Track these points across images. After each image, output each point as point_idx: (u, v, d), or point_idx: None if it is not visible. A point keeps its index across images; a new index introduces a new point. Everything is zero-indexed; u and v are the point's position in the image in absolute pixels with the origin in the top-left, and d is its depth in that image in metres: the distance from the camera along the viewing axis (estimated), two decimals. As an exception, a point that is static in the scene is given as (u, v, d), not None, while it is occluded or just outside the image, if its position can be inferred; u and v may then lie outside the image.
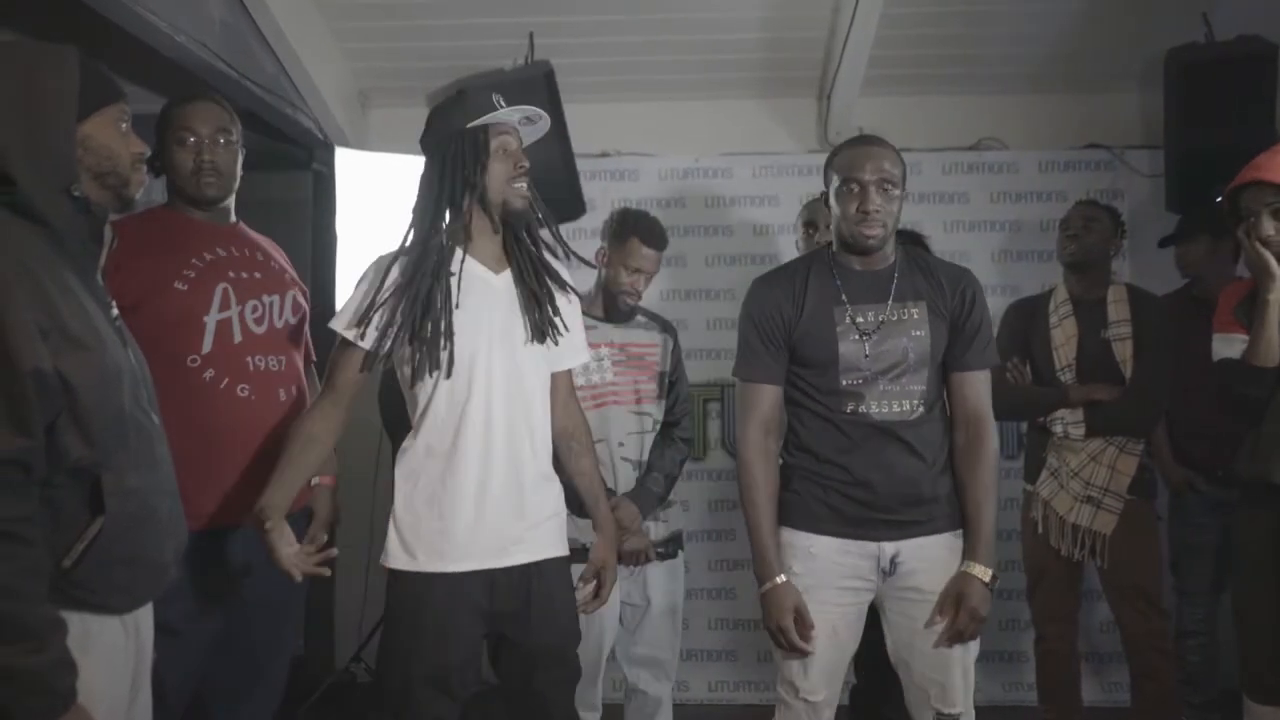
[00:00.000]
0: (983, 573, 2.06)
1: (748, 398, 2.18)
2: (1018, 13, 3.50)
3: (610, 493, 2.61)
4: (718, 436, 3.90)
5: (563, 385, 2.14)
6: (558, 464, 2.12)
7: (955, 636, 2.06)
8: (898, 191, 2.08)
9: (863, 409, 2.08)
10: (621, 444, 2.66)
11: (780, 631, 2.06)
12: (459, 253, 1.97)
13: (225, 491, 2.05)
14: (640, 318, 2.79)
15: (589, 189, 3.75)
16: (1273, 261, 2.22)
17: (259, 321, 2.17)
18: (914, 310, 2.11)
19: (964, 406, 2.16)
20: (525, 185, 1.99)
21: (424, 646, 1.92)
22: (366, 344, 1.93)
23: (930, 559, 2.09)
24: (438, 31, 3.58)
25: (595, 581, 2.17)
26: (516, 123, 2.00)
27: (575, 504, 2.56)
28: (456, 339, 1.92)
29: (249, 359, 2.13)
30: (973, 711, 2.13)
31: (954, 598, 2.06)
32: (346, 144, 3.79)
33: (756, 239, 3.93)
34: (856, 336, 2.09)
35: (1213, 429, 2.91)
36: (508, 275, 2.03)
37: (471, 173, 1.95)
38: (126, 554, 1.48)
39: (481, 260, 2.00)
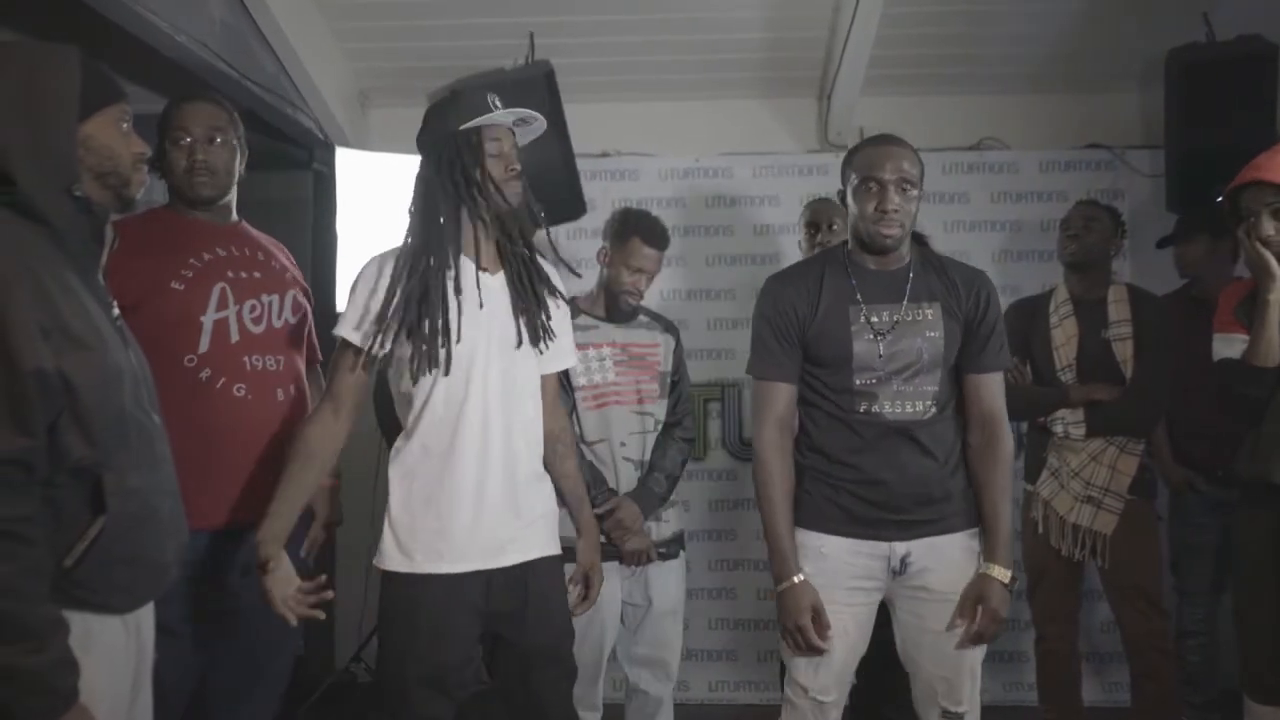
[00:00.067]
0: (1002, 574, 2.07)
1: (763, 396, 2.17)
2: (1018, 12, 3.50)
3: (612, 492, 2.62)
4: (718, 436, 3.90)
5: (550, 388, 2.14)
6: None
7: (976, 638, 2.07)
8: (916, 192, 2.08)
9: (876, 409, 2.08)
10: (623, 444, 2.66)
11: (798, 631, 2.05)
12: (456, 253, 1.97)
13: (222, 491, 2.05)
14: (642, 317, 2.79)
15: (589, 189, 3.75)
16: (1273, 261, 2.22)
17: (257, 321, 2.17)
18: (928, 311, 2.11)
19: (979, 408, 2.16)
20: (518, 187, 1.99)
21: (420, 647, 1.92)
22: (363, 345, 1.93)
23: (941, 558, 2.09)
24: (438, 31, 3.59)
25: (583, 584, 2.16)
26: (511, 124, 2.00)
27: (575, 504, 2.57)
28: (455, 339, 1.92)
29: (246, 358, 2.13)
30: (979, 710, 2.14)
31: (974, 600, 2.06)
32: (347, 144, 3.79)
33: (757, 239, 3.93)
34: (871, 336, 2.09)
35: (1212, 429, 2.91)
36: (503, 276, 2.04)
37: (463, 174, 1.95)
38: (128, 554, 1.48)
39: (478, 261, 2.00)
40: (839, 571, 2.08)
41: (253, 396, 2.12)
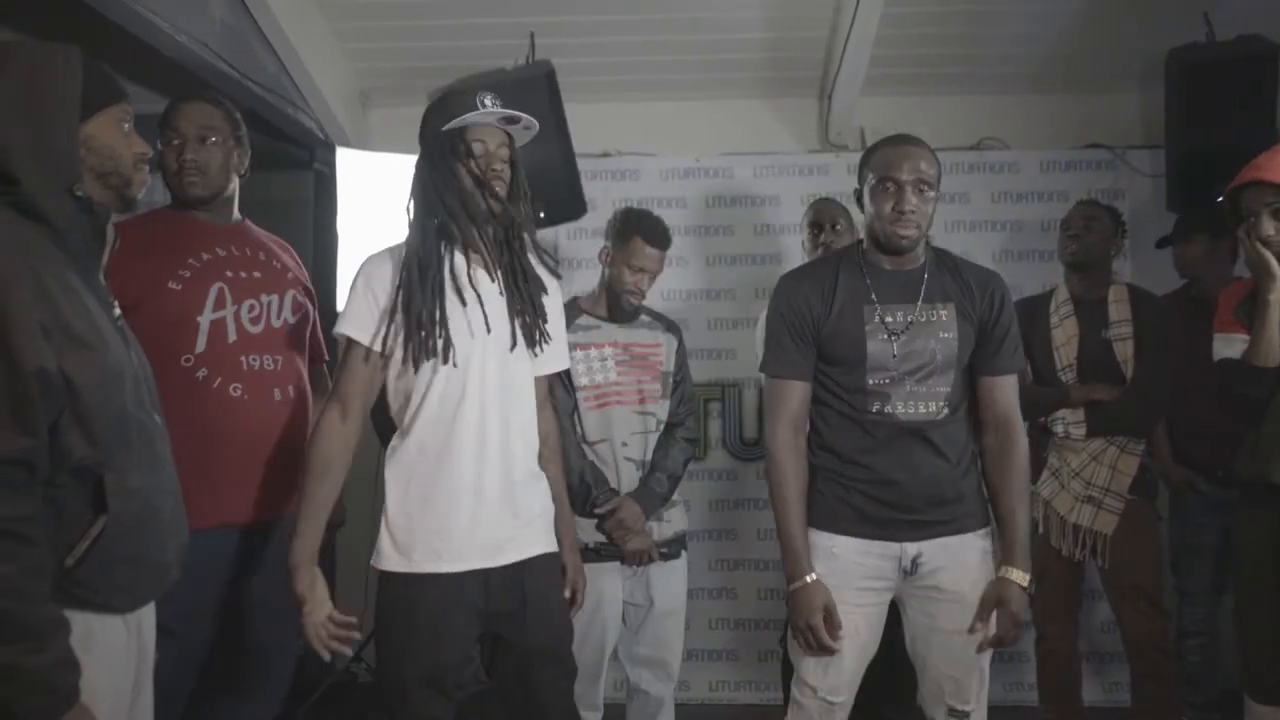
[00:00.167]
0: (1020, 577, 2.07)
1: (777, 394, 2.16)
2: (1019, 12, 3.50)
3: (614, 492, 2.62)
4: (719, 436, 3.90)
5: (540, 390, 2.14)
6: None
7: (995, 642, 2.07)
8: (933, 193, 2.08)
9: (889, 409, 2.08)
10: (625, 444, 2.66)
11: (809, 630, 2.04)
12: (449, 250, 1.98)
13: (220, 491, 2.05)
14: (645, 317, 2.79)
15: (590, 189, 3.75)
16: (1273, 261, 2.22)
17: (255, 321, 2.17)
18: (943, 312, 2.11)
19: (994, 410, 2.16)
20: (501, 187, 1.98)
21: (419, 647, 1.92)
22: (371, 344, 1.94)
23: (952, 558, 2.09)
24: (439, 31, 3.59)
25: (570, 590, 2.16)
26: (499, 122, 1.99)
27: (576, 503, 2.57)
28: (453, 335, 1.93)
29: (243, 358, 2.12)
30: (985, 710, 2.14)
31: (993, 603, 2.06)
32: (347, 144, 3.79)
33: (758, 239, 3.93)
34: (885, 336, 2.09)
35: (1212, 429, 2.91)
36: (500, 277, 2.04)
37: (447, 175, 1.96)
38: (129, 553, 1.48)
39: (473, 260, 2.01)
40: (849, 572, 2.08)
41: (249, 396, 2.12)
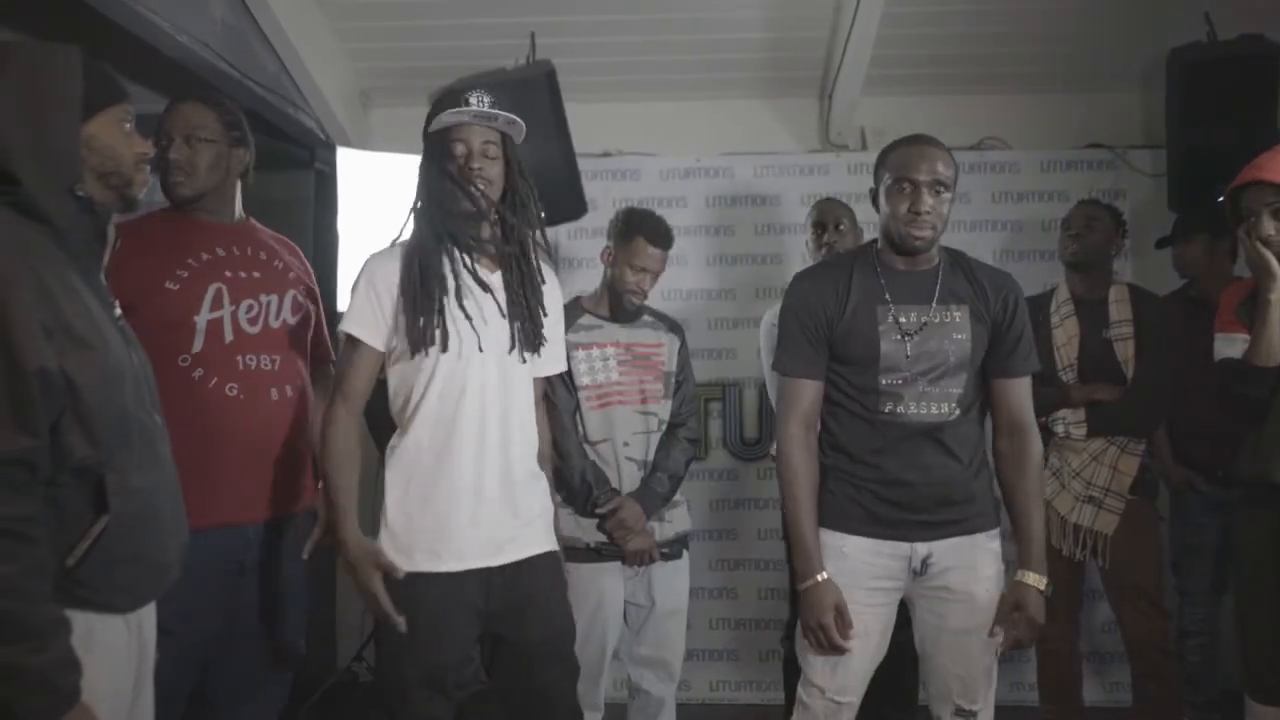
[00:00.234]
0: (1037, 581, 2.07)
1: (789, 393, 2.16)
2: (1019, 12, 3.50)
3: (615, 492, 2.62)
4: (719, 436, 3.90)
5: (536, 392, 2.15)
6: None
7: (1014, 644, 2.08)
8: (949, 194, 2.07)
9: (900, 409, 2.08)
10: (626, 444, 2.66)
11: (820, 629, 2.04)
12: (452, 250, 1.99)
13: (216, 490, 2.04)
14: (647, 317, 2.79)
15: (590, 189, 3.75)
16: (1273, 261, 2.22)
17: (253, 321, 2.16)
18: (956, 313, 2.11)
19: (1008, 414, 2.16)
20: (480, 187, 1.99)
21: (419, 647, 1.92)
22: (373, 342, 1.96)
23: (962, 559, 2.09)
24: (439, 31, 3.59)
25: None
26: (476, 120, 1.99)
27: (577, 502, 2.57)
28: (451, 327, 1.94)
29: (239, 358, 2.12)
30: (992, 710, 2.15)
31: (1011, 608, 2.07)
32: (348, 143, 3.79)
33: (758, 239, 3.93)
34: (898, 336, 2.08)
35: (1213, 429, 2.91)
36: (500, 277, 2.05)
37: (433, 175, 2.00)
38: (130, 553, 1.48)
39: (474, 258, 2.02)
40: (859, 572, 2.08)
41: (245, 396, 2.11)
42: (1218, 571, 3.15)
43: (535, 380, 2.13)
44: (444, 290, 1.95)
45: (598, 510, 2.58)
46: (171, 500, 1.60)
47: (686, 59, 3.74)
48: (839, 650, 2.05)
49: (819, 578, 2.05)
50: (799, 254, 3.80)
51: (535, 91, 3.29)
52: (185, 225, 2.19)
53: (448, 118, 1.98)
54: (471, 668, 2.00)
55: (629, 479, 2.65)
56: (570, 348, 2.48)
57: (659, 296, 2.87)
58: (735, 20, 3.54)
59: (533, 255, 2.08)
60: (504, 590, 1.97)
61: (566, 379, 2.56)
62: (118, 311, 1.59)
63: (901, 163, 2.07)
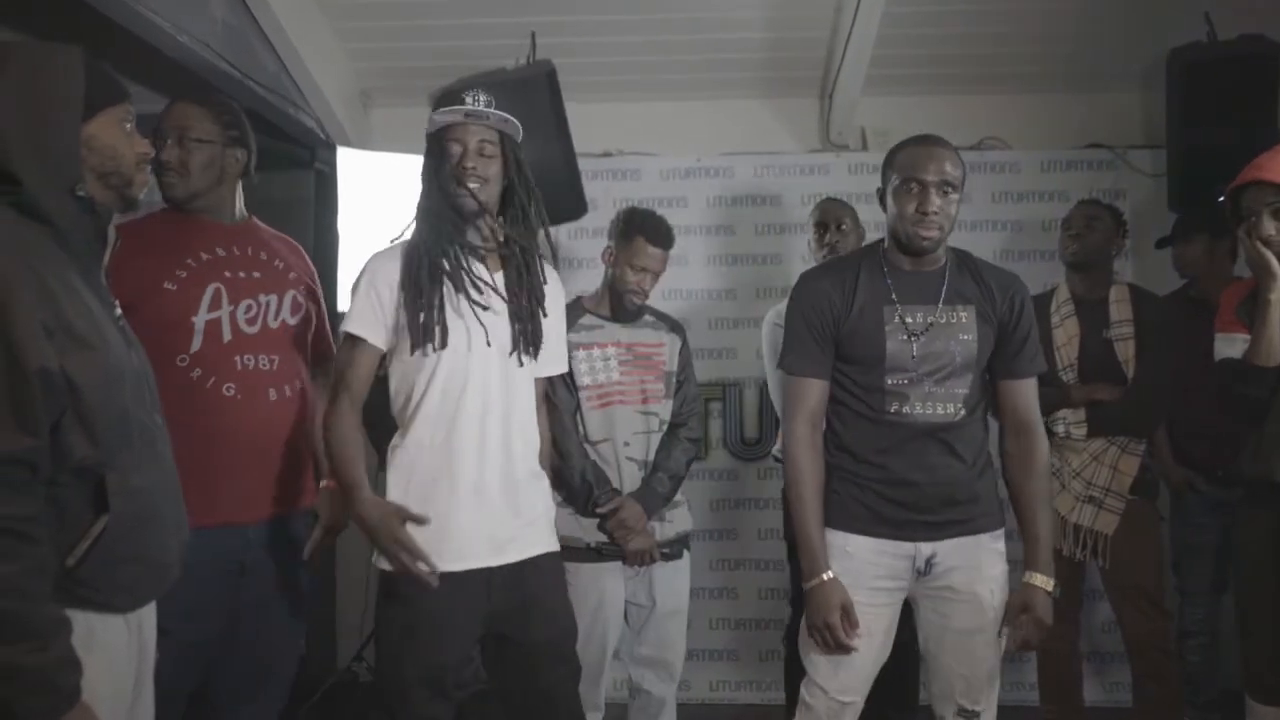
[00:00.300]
0: (1045, 583, 2.08)
1: (795, 392, 2.16)
2: (1019, 12, 3.50)
3: (615, 492, 2.62)
4: (719, 436, 3.90)
5: (537, 392, 2.15)
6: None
7: (1022, 645, 2.10)
8: (957, 195, 2.07)
9: (906, 409, 2.08)
10: (627, 443, 2.66)
11: (827, 628, 2.04)
12: (448, 246, 1.99)
13: (213, 490, 2.04)
14: (648, 317, 2.79)
15: (591, 189, 3.75)
16: (1273, 261, 2.22)
17: (251, 322, 2.16)
18: (963, 314, 2.11)
19: (1015, 415, 2.16)
20: (474, 186, 1.99)
21: (419, 647, 1.92)
22: (374, 340, 1.97)
23: (966, 559, 2.09)
24: (440, 31, 3.59)
25: None
26: (468, 119, 2.00)
27: (578, 502, 2.57)
28: (451, 325, 1.95)
29: (237, 358, 2.12)
30: (994, 711, 2.15)
31: (1019, 609, 2.07)
32: (348, 143, 3.79)
33: (758, 239, 3.93)
34: (905, 336, 2.08)
35: (1213, 429, 2.91)
36: (502, 277, 2.05)
37: (431, 176, 2.02)
38: (130, 553, 1.49)
39: (477, 257, 2.02)
40: (863, 571, 2.08)
41: (242, 396, 2.12)
42: (1218, 571, 3.15)
43: (536, 380, 2.13)
44: (444, 288, 1.95)
45: (598, 510, 2.58)
46: (172, 500, 1.60)
47: (687, 59, 3.74)
48: (845, 650, 2.04)
49: (825, 577, 2.05)
50: (799, 254, 3.80)
51: (535, 91, 3.29)
52: (185, 226, 2.19)
53: (441, 117, 2.00)
54: (471, 667, 2.00)
55: (630, 479, 2.65)
56: (571, 347, 2.48)
57: (659, 296, 2.87)
58: (735, 20, 3.54)
59: (535, 255, 2.08)
60: (507, 590, 1.97)
61: (567, 379, 2.56)
62: (118, 311, 1.59)
63: (909, 163, 2.06)
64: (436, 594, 1.92)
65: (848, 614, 2.04)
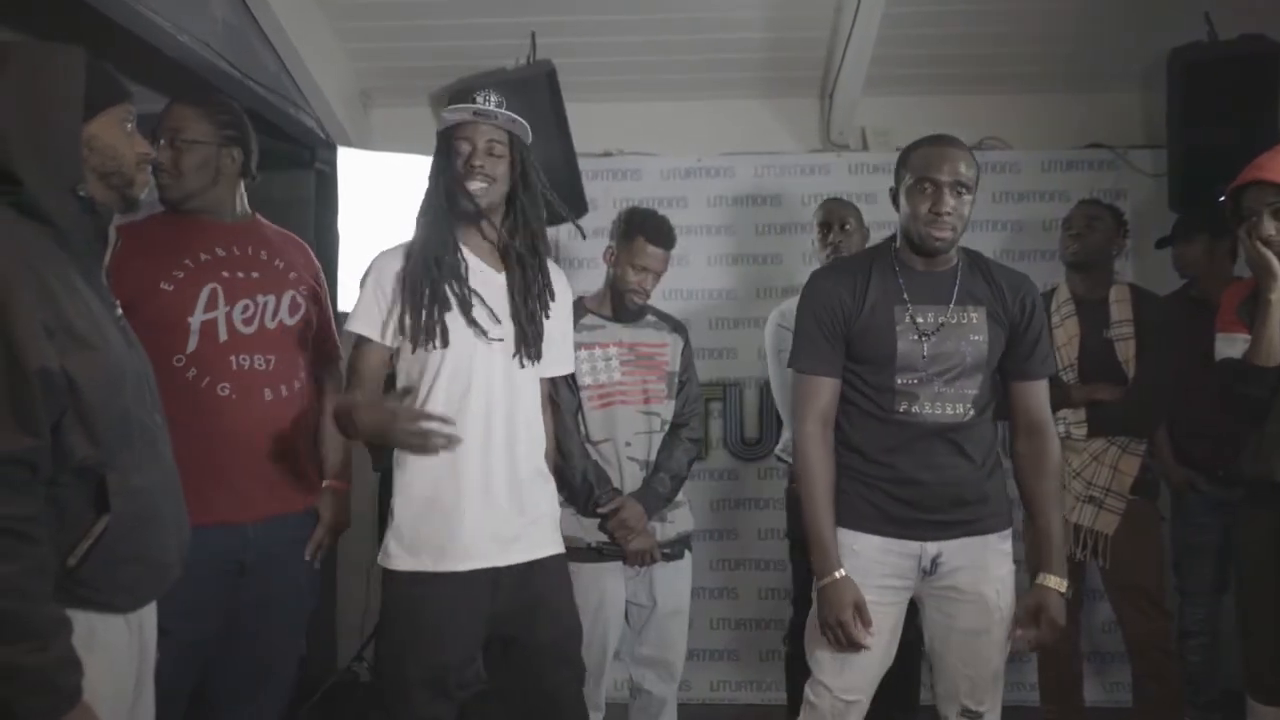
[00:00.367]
0: (1058, 584, 2.08)
1: (806, 390, 2.15)
2: (1020, 12, 3.50)
3: (616, 492, 2.61)
4: (719, 436, 3.90)
5: (541, 392, 2.15)
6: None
7: (1036, 646, 2.11)
8: (970, 196, 2.07)
9: (916, 409, 2.08)
10: (628, 444, 2.65)
11: (840, 626, 2.03)
12: (451, 245, 2.00)
13: (211, 489, 2.04)
14: (650, 317, 2.78)
15: (591, 189, 3.76)
16: (1274, 261, 2.22)
17: (248, 322, 2.17)
18: (974, 314, 2.11)
19: (1027, 416, 2.17)
20: (478, 183, 1.99)
21: (422, 646, 1.92)
22: (381, 339, 1.98)
23: (972, 559, 2.10)
24: (440, 31, 3.59)
25: None
26: (476, 118, 2.01)
27: (579, 502, 2.57)
28: (452, 325, 1.96)
29: (233, 358, 2.13)
30: (998, 712, 2.16)
31: (1033, 611, 2.08)
32: (349, 143, 3.79)
33: (759, 239, 3.93)
34: (915, 336, 2.08)
35: (1213, 429, 2.91)
36: (505, 277, 2.05)
37: (439, 173, 2.03)
38: (131, 553, 1.48)
39: (481, 257, 2.03)
40: (869, 570, 2.08)
41: (237, 396, 2.12)
42: (1219, 571, 3.15)
43: (541, 380, 2.13)
44: (445, 286, 1.95)
45: (599, 510, 2.58)
46: (172, 500, 1.60)
47: (687, 59, 3.74)
48: (858, 646, 2.04)
49: (837, 574, 2.04)
50: (800, 254, 3.80)
51: (536, 91, 3.29)
52: (185, 227, 2.19)
53: (451, 115, 2.00)
54: (473, 668, 2.00)
55: (631, 479, 2.65)
56: (574, 347, 2.48)
57: (660, 296, 2.87)
58: (736, 20, 3.53)
59: (538, 256, 2.08)
60: (513, 590, 1.97)
61: (569, 378, 2.56)
62: (119, 311, 1.59)
63: (923, 163, 2.06)
64: (441, 594, 1.92)
65: (860, 611, 2.03)
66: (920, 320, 2.09)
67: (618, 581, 2.64)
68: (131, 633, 1.55)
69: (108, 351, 1.46)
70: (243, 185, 2.29)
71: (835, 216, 3.10)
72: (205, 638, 2.07)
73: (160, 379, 1.73)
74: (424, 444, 1.82)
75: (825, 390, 2.13)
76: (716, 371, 3.86)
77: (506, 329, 2.02)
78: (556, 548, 2.07)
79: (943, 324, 2.09)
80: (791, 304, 2.98)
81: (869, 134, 3.92)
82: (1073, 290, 3.08)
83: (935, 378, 2.07)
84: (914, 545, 2.09)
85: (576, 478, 2.56)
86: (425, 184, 2.07)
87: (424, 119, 3.95)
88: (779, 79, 3.87)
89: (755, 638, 3.83)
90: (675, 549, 2.74)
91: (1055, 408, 2.93)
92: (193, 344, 2.09)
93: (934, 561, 2.09)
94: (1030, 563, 3.07)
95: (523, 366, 2.04)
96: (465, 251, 2.01)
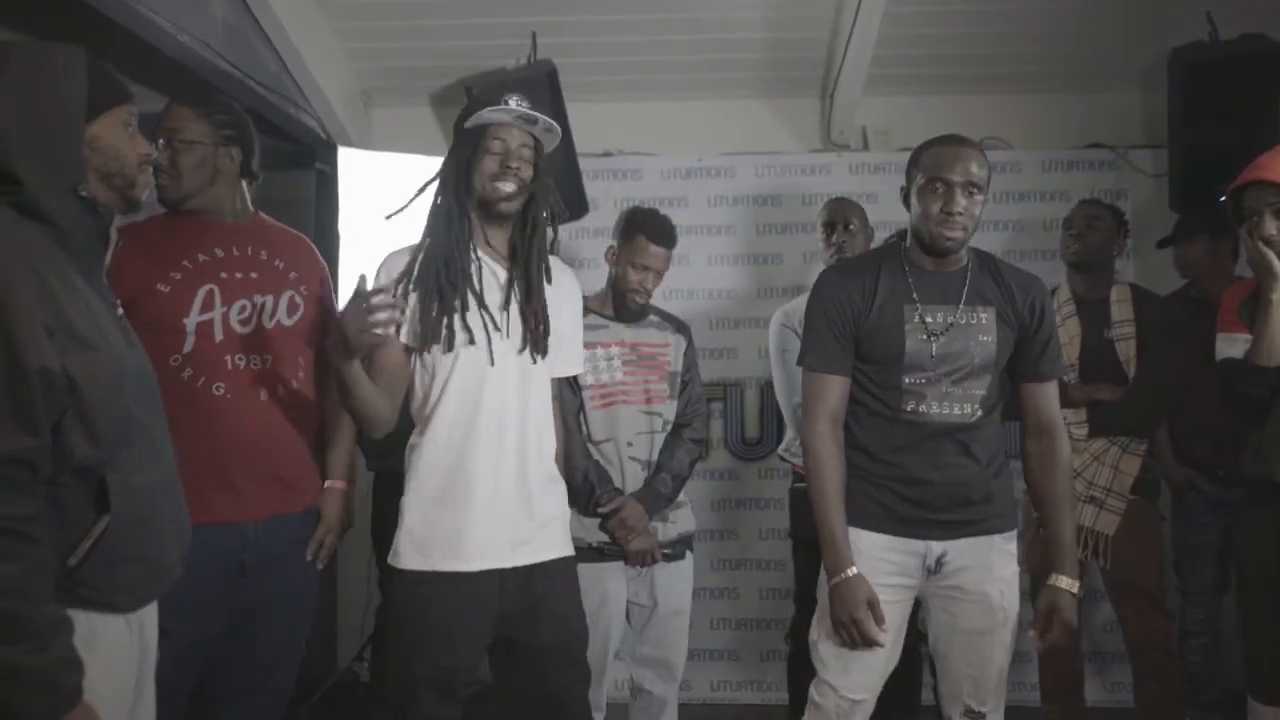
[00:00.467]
0: (1070, 585, 2.08)
1: (816, 388, 2.15)
2: (1020, 12, 3.50)
3: (618, 492, 2.61)
4: (720, 436, 3.90)
5: (550, 392, 2.15)
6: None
7: (1049, 647, 2.11)
8: (982, 196, 2.07)
9: (923, 409, 2.08)
10: (630, 443, 2.66)
11: (854, 623, 2.03)
12: (463, 242, 2.00)
13: (209, 489, 2.04)
14: (653, 317, 2.78)
15: (592, 189, 3.76)
16: (1275, 261, 2.22)
17: (244, 322, 2.16)
18: (983, 315, 2.11)
19: (1037, 417, 2.17)
20: (511, 185, 1.99)
21: (430, 646, 1.92)
22: (401, 336, 1.97)
23: (976, 559, 2.10)
24: (440, 31, 3.59)
25: None
26: (517, 122, 2.00)
27: (580, 502, 2.57)
28: (460, 328, 1.94)
29: (228, 358, 2.12)
30: (1001, 713, 2.16)
31: (1045, 611, 2.08)
32: (349, 143, 3.79)
33: (759, 239, 3.93)
34: (924, 336, 2.08)
35: (1214, 429, 2.91)
36: (518, 276, 2.05)
37: (462, 169, 2.00)
38: (131, 553, 1.48)
39: (491, 256, 2.03)
40: (874, 569, 2.08)
41: (232, 396, 2.11)
42: (1220, 571, 3.15)
43: (551, 381, 2.13)
44: (458, 288, 1.95)
45: (600, 510, 2.58)
46: (173, 500, 1.60)
47: (687, 59, 3.74)
48: (871, 643, 2.04)
49: (849, 572, 2.04)
50: (801, 254, 3.81)
51: (537, 91, 3.28)
52: (185, 227, 2.19)
53: (492, 115, 1.98)
54: (477, 668, 2.00)
55: (632, 479, 2.65)
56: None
57: (661, 296, 2.87)
58: (736, 20, 3.53)
59: (545, 258, 2.08)
60: (516, 592, 1.97)
61: (571, 378, 2.56)
62: (120, 311, 1.59)
63: (935, 162, 2.06)
64: (449, 593, 1.92)
65: (874, 608, 2.03)
66: (929, 320, 2.09)
67: (619, 581, 2.64)
68: (132, 633, 1.55)
69: (108, 351, 1.46)
70: (245, 185, 2.28)
71: (839, 216, 3.10)
72: (205, 638, 2.07)
73: (158, 380, 1.73)
74: (370, 332, 1.77)
75: (835, 389, 2.13)
76: (717, 371, 3.86)
77: (515, 327, 2.01)
78: (565, 550, 2.06)
79: (952, 324, 2.09)
80: (795, 304, 2.99)
81: (869, 134, 3.92)
82: (1073, 290, 3.08)
83: (943, 378, 2.07)
84: (919, 544, 2.09)
85: (578, 477, 2.56)
86: (438, 179, 2.05)
87: (424, 119, 3.95)
88: (779, 79, 3.87)
89: (756, 638, 3.83)
90: (677, 549, 2.73)
91: (1056, 408, 2.97)
92: (189, 345, 2.09)
93: (939, 561, 2.09)
94: (1029, 563, 3.10)
95: (534, 362, 2.03)
96: (477, 253, 2.01)
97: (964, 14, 3.50)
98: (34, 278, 1.38)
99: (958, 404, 2.08)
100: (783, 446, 3.25)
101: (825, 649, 2.11)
